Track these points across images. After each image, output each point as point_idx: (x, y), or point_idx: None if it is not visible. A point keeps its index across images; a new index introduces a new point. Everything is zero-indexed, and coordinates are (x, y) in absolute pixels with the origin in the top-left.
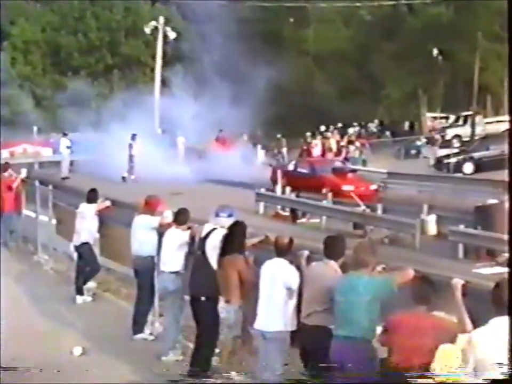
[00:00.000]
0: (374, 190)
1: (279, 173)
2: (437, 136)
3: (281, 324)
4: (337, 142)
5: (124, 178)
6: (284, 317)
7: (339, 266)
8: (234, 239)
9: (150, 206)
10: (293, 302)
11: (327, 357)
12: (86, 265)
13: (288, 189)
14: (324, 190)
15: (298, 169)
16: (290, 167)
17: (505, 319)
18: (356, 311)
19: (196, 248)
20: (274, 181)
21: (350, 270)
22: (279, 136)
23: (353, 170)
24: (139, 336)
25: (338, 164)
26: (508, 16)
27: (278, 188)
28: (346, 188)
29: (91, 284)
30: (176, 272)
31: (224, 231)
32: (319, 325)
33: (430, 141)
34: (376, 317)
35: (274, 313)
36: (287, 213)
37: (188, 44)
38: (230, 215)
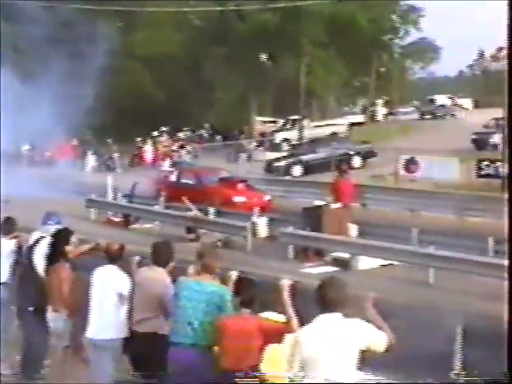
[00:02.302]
0: (267, 201)
1: (158, 184)
2: (250, 146)
3: (113, 332)
4: (169, 146)
5: None
6: (116, 324)
7: (170, 271)
8: (58, 246)
9: None
10: (125, 308)
11: (160, 364)
12: None
13: (119, 194)
14: (214, 202)
15: (183, 180)
16: (173, 177)
17: (328, 316)
18: (200, 317)
19: (23, 257)
20: (155, 193)
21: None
22: (109, 141)
23: (243, 180)
24: None
25: (225, 173)
26: (508, 17)
27: (109, 193)
28: (238, 199)
29: None
30: (3, 283)
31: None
32: (151, 331)
33: (238, 148)
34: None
35: (106, 320)
36: (119, 219)
37: (12, 46)
38: (58, 222)
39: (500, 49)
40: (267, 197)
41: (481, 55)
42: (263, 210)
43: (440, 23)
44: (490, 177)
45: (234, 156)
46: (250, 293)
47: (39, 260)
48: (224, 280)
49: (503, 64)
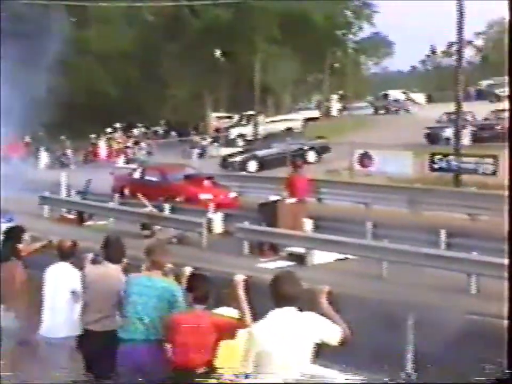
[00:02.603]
0: (233, 198)
1: (121, 181)
2: (204, 142)
3: (67, 330)
4: (123, 143)
5: None
6: (69, 322)
7: (123, 267)
8: (10, 244)
9: None
10: (78, 306)
11: (114, 361)
12: None
13: (73, 191)
14: (179, 199)
15: (147, 177)
16: (136, 174)
17: (282, 310)
18: (151, 313)
19: None
20: (117, 190)
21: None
22: (62, 137)
23: (209, 178)
24: None
25: (190, 170)
26: (509, 17)
27: (63, 190)
28: (204, 196)
29: None
30: None
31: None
32: (110, 329)
33: (193, 144)
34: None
35: (59, 318)
36: (73, 216)
37: None
38: (10, 220)
39: (451, 45)
40: (233, 194)
41: (433, 50)
42: (229, 207)
43: (393, 18)
44: (443, 171)
45: (189, 151)
46: (204, 289)
47: None
48: (178, 276)
49: (454, 60)
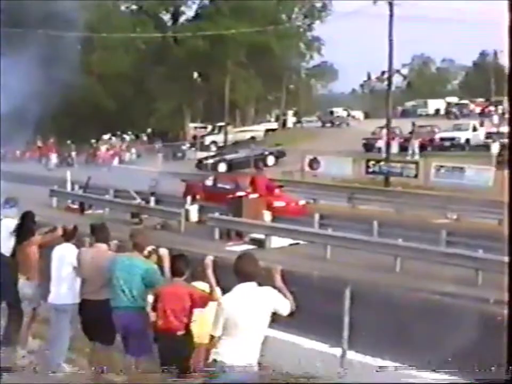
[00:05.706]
0: (303, 205)
1: (193, 188)
2: (184, 148)
3: (70, 298)
4: (118, 147)
5: None
6: (72, 292)
7: (116, 248)
8: (26, 226)
9: None
10: (79, 279)
11: (111, 325)
12: None
13: (76, 186)
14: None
15: (219, 185)
16: (209, 182)
17: (245, 285)
18: (130, 285)
19: None
20: (190, 196)
21: (126, 251)
22: (69, 142)
23: (280, 186)
24: None
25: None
26: (509, 20)
27: (68, 185)
28: (278, 204)
29: None
30: None
31: (12, 220)
32: (100, 299)
33: (174, 149)
34: (144, 290)
35: (64, 288)
36: (76, 206)
37: None
38: (12, 206)
39: (383, 73)
40: (302, 202)
41: (369, 77)
42: (300, 214)
43: (338, 50)
44: (376, 174)
45: (171, 155)
46: (180, 265)
47: (3, 240)
48: (159, 256)
49: (385, 85)
